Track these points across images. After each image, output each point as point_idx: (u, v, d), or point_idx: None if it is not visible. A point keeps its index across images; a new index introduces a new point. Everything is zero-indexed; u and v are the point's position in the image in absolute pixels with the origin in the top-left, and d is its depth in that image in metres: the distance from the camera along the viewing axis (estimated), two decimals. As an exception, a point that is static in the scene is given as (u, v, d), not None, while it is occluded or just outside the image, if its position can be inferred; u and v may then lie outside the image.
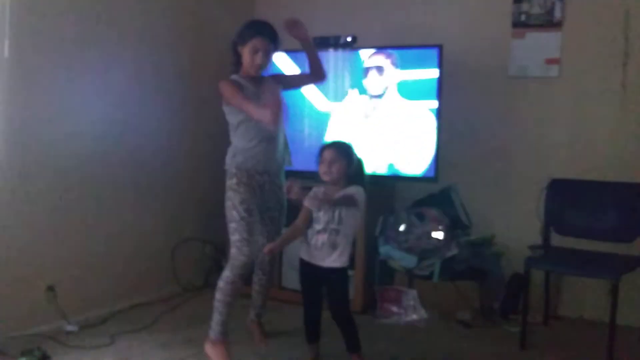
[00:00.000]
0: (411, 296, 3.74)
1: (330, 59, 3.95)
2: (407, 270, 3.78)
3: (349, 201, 2.78)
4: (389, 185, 4.15)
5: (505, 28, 3.96)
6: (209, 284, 4.29)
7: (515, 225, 3.93)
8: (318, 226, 2.83)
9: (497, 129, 4.06)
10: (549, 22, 3.85)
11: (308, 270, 2.88)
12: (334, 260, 2.81)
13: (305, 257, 2.88)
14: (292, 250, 3.34)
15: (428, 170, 3.78)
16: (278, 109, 2.70)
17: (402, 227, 3.79)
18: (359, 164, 2.90)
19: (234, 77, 3.03)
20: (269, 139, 3.01)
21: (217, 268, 4.35)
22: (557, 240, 3.62)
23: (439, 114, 3.74)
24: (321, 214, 2.82)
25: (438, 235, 3.74)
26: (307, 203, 2.78)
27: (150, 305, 3.81)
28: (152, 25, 3.91)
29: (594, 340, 3.36)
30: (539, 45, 3.87)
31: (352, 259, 3.14)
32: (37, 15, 3.21)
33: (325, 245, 2.80)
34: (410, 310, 3.73)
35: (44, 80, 3.27)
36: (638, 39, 3.66)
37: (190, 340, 3.23)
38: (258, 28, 2.99)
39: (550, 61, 3.86)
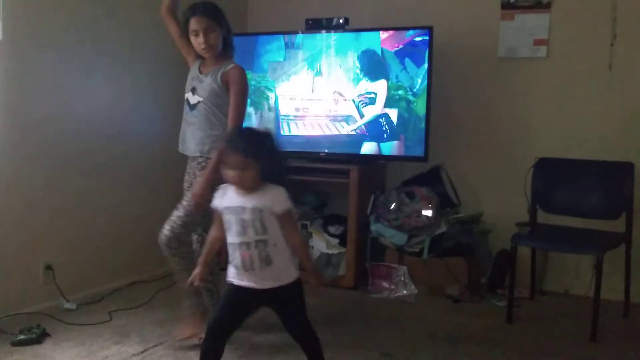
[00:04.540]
0: (401, 272, 3.82)
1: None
2: (397, 247, 3.86)
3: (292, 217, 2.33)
4: (380, 165, 4.21)
5: (494, 9, 4.00)
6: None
7: (503, 203, 4.00)
8: (232, 238, 2.29)
9: (486, 110, 4.12)
10: (537, 4, 3.89)
11: (238, 294, 2.33)
12: (274, 278, 2.29)
13: (234, 279, 2.34)
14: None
15: (417, 149, 3.85)
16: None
17: (392, 206, 3.86)
18: (270, 152, 2.29)
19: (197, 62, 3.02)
20: None
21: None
22: (543, 217, 3.70)
23: (429, 95, 3.79)
24: (231, 219, 2.28)
25: (428, 213, 3.81)
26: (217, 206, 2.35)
27: (147, 283, 3.87)
28: (148, 13, 3.92)
29: (578, 314, 3.46)
30: (527, 27, 3.92)
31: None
32: (31, -2, 3.22)
33: (256, 263, 2.26)
34: (400, 285, 3.81)
35: (39, 63, 3.28)
36: (626, 20, 3.70)
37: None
38: (192, 9, 2.88)
39: (538, 42, 3.91)
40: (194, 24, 2.86)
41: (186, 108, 3.01)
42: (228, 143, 2.28)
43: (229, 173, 2.23)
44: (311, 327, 2.40)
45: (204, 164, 2.93)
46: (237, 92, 2.88)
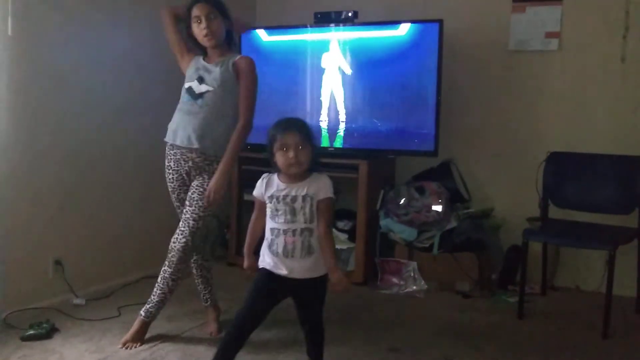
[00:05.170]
0: (411, 268, 3.81)
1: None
2: (407, 242, 3.84)
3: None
4: (390, 160, 4.19)
5: (505, 2, 3.97)
6: (214, 257, 4.35)
7: (514, 198, 3.98)
8: (278, 225, 2.31)
9: (497, 103, 4.09)
10: (549, -4, 3.86)
11: (272, 282, 2.33)
12: (311, 269, 2.32)
13: (269, 267, 2.34)
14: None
15: (428, 144, 3.82)
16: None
17: (402, 201, 3.84)
18: (315, 138, 2.40)
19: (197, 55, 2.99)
20: None
21: (222, 242, 4.41)
22: (555, 212, 3.67)
23: (439, 88, 3.76)
24: (279, 206, 2.31)
25: (438, 208, 3.79)
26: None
27: (155, 278, 3.80)
28: (154, 15, 3.92)
29: (590, 310, 3.43)
30: (539, 19, 3.88)
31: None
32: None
33: (298, 251, 2.29)
34: (410, 281, 3.80)
35: (48, 59, 3.29)
36: (638, 12, 3.66)
37: (195, 312, 3.29)
38: None
39: (550, 35, 3.88)
40: (196, 10, 2.85)
41: (186, 97, 2.92)
42: (282, 125, 2.32)
43: (286, 155, 2.26)
44: (323, 321, 2.44)
45: (206, 160, 2.87)
46: (250, 82, 2.87)
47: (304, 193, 2.29)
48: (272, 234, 2.33)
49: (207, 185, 2.84)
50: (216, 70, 2.88)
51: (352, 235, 3.95)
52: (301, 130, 2.30)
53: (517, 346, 2.98)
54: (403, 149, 3.95)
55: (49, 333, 2.93)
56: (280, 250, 2.31)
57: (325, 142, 4.04)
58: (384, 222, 3.88)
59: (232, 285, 3.62)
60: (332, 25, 4.00)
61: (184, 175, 2.94)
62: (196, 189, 2.87)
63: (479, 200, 4.05)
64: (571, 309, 3.56)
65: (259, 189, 2.39)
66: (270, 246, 2.34)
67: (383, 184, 4.01)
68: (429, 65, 3.76)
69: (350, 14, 4.00)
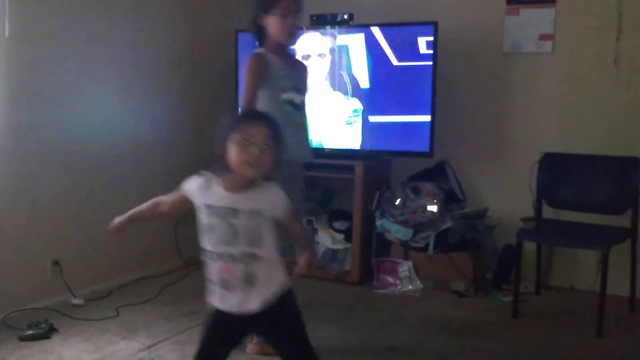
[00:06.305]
0: (407, 267, 3.83)
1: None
2: (402, 242, 3.87)
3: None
4: (385, 161, 4.22)
5: (500, 4, 3.99)
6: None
7: (508, 198, 4.01)
8: (212, 246, 1.83)
9: (491, 104, 4.11)
10: (542, -2, 3.89)
11: (221, 320, 1.88)
12: (257, 297, 1.83)
13: (216, 301, 1.88)
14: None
15: (423, 145, 3.84)
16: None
17: (397, 201, 3.87)
18: (282, 141, 1.88)
19: (260, 51, 2.69)
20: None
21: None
22: (549, 212, 3.69)
23: (434, 90, 3.79)
24: (215, 222, 1.81)
25: (433, 208, 3.82)
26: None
27: (153, 278, 3.89)
28: (153, 16, 3.95)
29: (584, 309, 3.46)
30: (533, 22, 3.91)
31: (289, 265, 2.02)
32: (37, -5, 3.23)
33: (238, 281, 1.81)
34: (405, 280, 3.82)
35: (45, 60, 3.29)
36: (631, 14, 3.69)
37: (193, 313, 3.30)
38: None
39: (543, 37, 3.91)
40: (286, 1, 2.60)
41: (290, 109, 2.65)
42: (248, 115, 1.98)
43: (246, 150, 1.77)
44: (315, 354, 1.93)
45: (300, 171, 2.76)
46: None
47: (250, 207, 1.80)
48: (207, 257, 1.85)
49: None
50: (301, 75, 2.76)
51: (348, 235, 3.97)
52: (271, 126, 1.83)
53: (512, 345, 3.01)
54: (398, 150, 3.98)
55: (48, 333, 2.94)
56: (216, 280, 1.84)
57: (320, 143, 4.06)
58: (380, 223, 3.90)
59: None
60: (328, 27, 4.02)
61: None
62: None
63: (474, 201, 4.08)
64: (565, 308, 3.58)
65: (192, 186, 1.90)
66: (209, 275, 1.86)
67: (379, 184, 4.04)
68: (424, 67, 3.79)
69: (345, 16, 4.02)
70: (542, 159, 3.67)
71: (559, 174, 3.65)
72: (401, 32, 3.87)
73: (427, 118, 3.81)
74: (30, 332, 2.92)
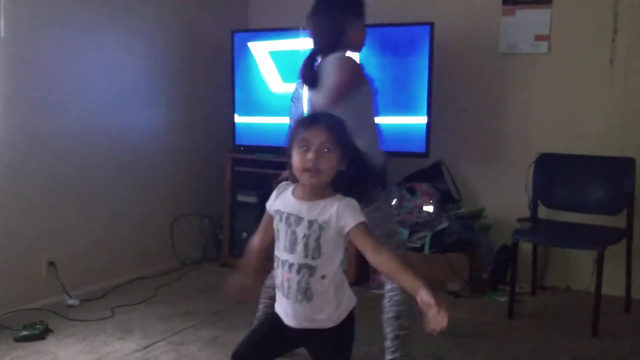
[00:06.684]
0: (403, 268, 3.83)
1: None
2: (399, 243, 3.87)
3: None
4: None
5: (496, 5, 4.00)
6: (207, 258, 4.39)
7: (504, 198, 4.01)
8: (278, 251, 1.77)
9: (487, 105, 4.12)
10: (538, -1, 3.90)
11: (276, 325, 1.81)
12: (310, 318, 1.75)
13: (277, 306, 1.83)
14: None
15: (419, 145, 3.84)
16: None
17: (393, 202, 3.87)
18: (354, 149, 1.76)
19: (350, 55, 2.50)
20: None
21: (215, 242, 4.44)
22: (544, 213, 3.71)
23: (430, 91, 3.79)
24: (281, 227, 1.76)
25: (429, 209, 3.82)
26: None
27: (149, 279, 3.88)
28: (153, 15, 3.95)
29: (580, 309, 3.47)
30: (529, 22, 3.92)
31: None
32: (33, -6, 3.22)
33: (293, 292, 1.73)
34: (402, 281, 3.82)
35: (41, 60, 3.29)
36: (627, 15, 3.70)
37: (189, 313, 3.31)
38: None
39: (539, 38, 3.91)
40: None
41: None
42: (308, 118, 1.81)
43: (304, 155, 1.68)
44: None
45: None
46: None
47: (312, 217, 1.70)
48: (275, 262, 1.79)
49: None
50: None
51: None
52: (332, 128, 1.70)
53: (508, 345, 3.01)
54: (394, 151, 3.97)
55: (43, 334, 2.93)
56: (278, 284, 1.78)
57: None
58: (376, 223, 3.89)
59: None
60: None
61: None
62: None
63: (470, 201, 4.09)
64: (561, 308, 3.59)
65: (270, 200, 1.84)
66: (274, 277, 1.82)
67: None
68: (421, 67, 3.79)
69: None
70: (538, 159, 3.68)
71: (554, 174, 3.66)
72: (397, 32, 3.87)
73: (423, 118, 3.81)
74: (25, 332, 2.91)
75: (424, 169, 4.09)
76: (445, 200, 3.94)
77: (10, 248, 3.19)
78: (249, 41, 4.18)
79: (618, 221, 3.48)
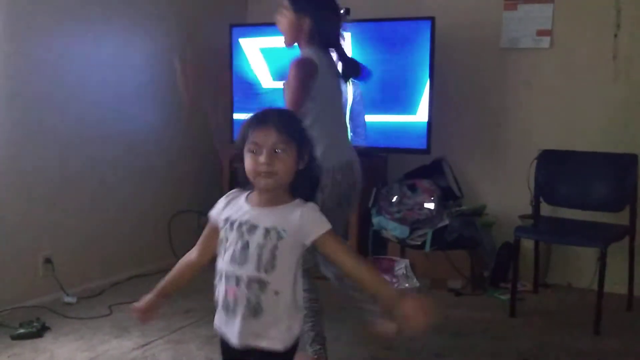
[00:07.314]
0: (404, 265, 3.81)
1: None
2: (399, 240, 3.84)
3: None
4: (382, 157, 4.19)
5: (498, 0, 3.97)
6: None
7: (506, 195, 3.99)
8: (222, 263, 1.61)
9: (488, 101, 4.09)
10: (540, -6, 3.87)
11: (224, 348, 1.66)
12: (260, 334, 1.57)
13: (219, 326, 1.65)
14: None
15: (420, 142, 3.82)
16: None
17: (394, 199, 3.84)
18: (310, 145, 1.63)
19: (311, 52, 2.54)
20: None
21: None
22: (546, 210, 3.68)
23: (432, 86, 3.76)
24: (230, 236, 1.60)
25: (430, 206, 3.79)
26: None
27: (147, 276, 3.84)
28: (154, 8, 3.93)
29: (582, 307, 3.45)
30: (530, 17, 3.89)
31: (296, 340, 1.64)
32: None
33: (240, 308, 1.56)
34: (402, 279, 3.79)
35: (40, 56, 3.27)
36: (629, 10, 3.67)
37: (187, 311, 3.29)
38: None
39: (541, 33, 3.88)
40: None
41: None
42: (256, 118, 1.59)
43: (255, 159, 1.54)
44: None
45: None
46: None
47: (269, 224, 1.55)
48: (216, 276, 1.63)
49: None
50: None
51: (344, 233, 3.94)
52: (281, 125, 1.55)
53: (509, 343, 2.99)
54: (395, 147, 3.95)
55: (40, 332, 2.92)
56: (220, 301, 1.61)
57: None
58: (376, 220, 3.87)
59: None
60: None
61: None
62: None
63: (471, 198, 4.06)
64: (563, 306, 3.57)
65: (217, 207, 1.68)
66: (216, 294, 1.64)
67: (375, 182, 4.01)
68: (421, 63, 3.75)
69: (342, 11, 3.97)
70: (540, 155, 3.65)
71: (556, 171, 3.63)
72: (398, 27, 3.84)
73: (424, 114, 3.78)
74: (22, 330, 2.90)
75: (425, 165, 4.07)
76: (446, 197, 3.92)
77: (7, 245, 3.18)
78: (240, 37, 4.16)
79: (621, 218, 3.45)
